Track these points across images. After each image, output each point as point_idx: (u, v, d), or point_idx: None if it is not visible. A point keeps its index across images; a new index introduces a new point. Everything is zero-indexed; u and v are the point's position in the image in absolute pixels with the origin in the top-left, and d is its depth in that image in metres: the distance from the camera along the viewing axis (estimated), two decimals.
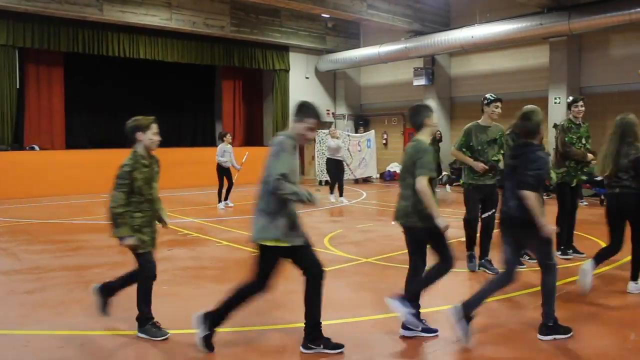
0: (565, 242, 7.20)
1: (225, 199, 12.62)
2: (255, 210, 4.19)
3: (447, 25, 18.29)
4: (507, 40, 15.75)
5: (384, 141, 21.74)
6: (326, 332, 4.61)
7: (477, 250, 6.59)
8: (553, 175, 6.91)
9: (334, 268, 6.72)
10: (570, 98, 7.36)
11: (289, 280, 6.27)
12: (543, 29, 14.66)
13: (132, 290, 5.81)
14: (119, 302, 5.42)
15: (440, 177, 18.61)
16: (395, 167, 20.88)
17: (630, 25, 13.51)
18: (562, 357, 4.03)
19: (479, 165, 6.17)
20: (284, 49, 20.43)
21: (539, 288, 5.71)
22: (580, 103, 7.12)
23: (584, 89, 15.61)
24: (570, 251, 7.20)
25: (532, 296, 5.47)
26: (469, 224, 6.47)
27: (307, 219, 11.31)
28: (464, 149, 6.35)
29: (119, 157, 17.38)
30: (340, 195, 13.34)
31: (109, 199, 4.43)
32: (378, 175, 21.05)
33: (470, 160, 6.24)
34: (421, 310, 4.62)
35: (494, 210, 6.42)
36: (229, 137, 12.76)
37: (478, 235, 6.53)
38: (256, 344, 4.32)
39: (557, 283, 5.85)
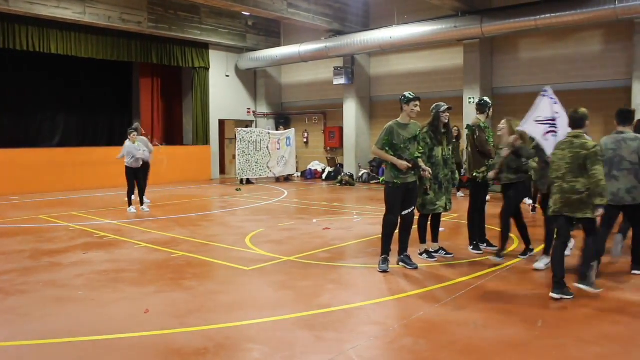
0: (478, 236, 7.51)
1: (141, 203, 11.96)
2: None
3: (366, 26, 18.63)
4: (424, 41, 16.23)
5: (305, 140, 21.86)
6: (247, 332, 4.60)
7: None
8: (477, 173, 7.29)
9: (255, 267, 6.71)
10: (487, 100, 7.68)
11: (209, 281, 6.23)
12: (457, 31, 15.21)
13: (37, 299, 5.57)
14: (26, 312, 5.19)
15: (360, 175, 18.95)
16: (316, 166, 21.04)
17: (536, 30, 14.28)
18: (474, 345, 4.21)
19: (404, 164, 6.28)
20: (204, 47, 20.13)
21: (454, 281, 5.96)
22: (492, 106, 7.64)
23: (495, 89, 16.34)
24: (484, 245, 7.51)
25: (446, 290, 5.68)
26: (391, 223, 6.50)
27: (229, 218, 11.28)
28: (387, 148, 6.41)
29: (29, 157, 16.51)
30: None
31: (594, 173, 5.21)
32: (299, 174, 21.16)
33: (394, 159, 6.31)
34: (344, 307, 4.67)
35: (413, 207, 6.58)
36: (134, 135, 11.81)
37: (396, 232, 6.65)
38: (177, 346, 4.24)
39: (469, 277, 6.12)
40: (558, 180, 5.48)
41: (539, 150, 6.63)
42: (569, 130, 5.89)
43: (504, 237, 6.87)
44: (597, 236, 5.65)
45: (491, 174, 6.95)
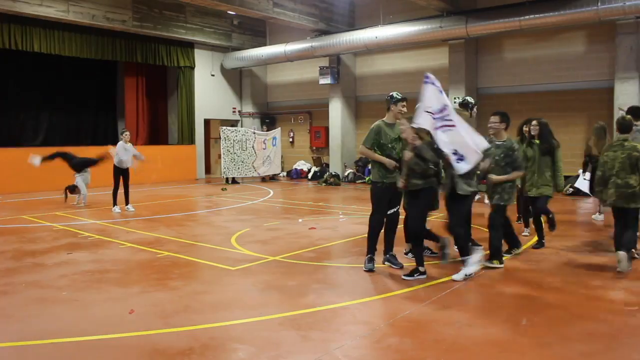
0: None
1: (126, 203, 11.76)
2: None
3: (351, 26, 18.66)
4: (409, 41, 16.28)
5: (291, 139, 21.84)
6: (233, 332, 4.58)
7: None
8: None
9: (241, 267, 6.69)
10: (469, 99, 7.72)
11: (194, 281, 6.20)
12: (442, 31, 15.28)
13: (17, 301, 5.52)
14: (9, 313, 5.13)
15: (346, 174, 18.97)
16: (302, 165, 21.03)
17: (520, 31, 14.39)
18: (459, 344, 4.23)
19: (392, 163, 6.29)
20: (189, 46, 20.04)
21: (439, 281, 5.98)
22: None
23: (480, 89, 16.44)
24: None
25: (432, 289, 5.70)
26: (377, 223, 6.51)
27: (214, 218, 11.24)
28: (375, 147, 6.43)
29: (12, 156, 16.26)
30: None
31: None
32: (285, 174, 21.14)
33: (383, 158, 6.32)
34: (330, 307, 4.67)
35: (398, 207, 6.59)
36: (126, 136, 11.76)
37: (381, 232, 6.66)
38: (162, 347, 4.22)
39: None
40: (612, 177, 6.30)
41: (438, 150, 5.94)
42: (465, 124, 5.82)
43: (418, 255, 6.20)
44: (636, 227, 6.41)
45: (400, 183, 6.18)
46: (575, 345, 4.24)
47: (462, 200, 6.21)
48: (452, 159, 5.83)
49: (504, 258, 6.84)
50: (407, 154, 6.06)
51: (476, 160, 5.92)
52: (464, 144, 5.82)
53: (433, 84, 5.90)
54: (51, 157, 12.40)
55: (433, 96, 5.88)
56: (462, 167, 5.87)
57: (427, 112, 5.89)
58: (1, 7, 14.35)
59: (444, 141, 5.82)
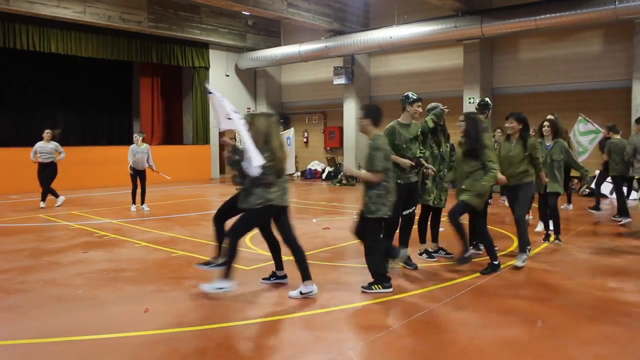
0: (478, 236, 7.48)
1: (142, 202, 11.80)
2: None
3: (366, 26, 18.64)
4: (424, 41, 16.23)
5: (305, 139, 21.85)
6: (247, 331, 4.59)
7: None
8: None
9: (255, 267, 6.70)
10: (488, 100, 7.68)
11: (208, 280, 6.21)
12: (457, 31, 15.21)
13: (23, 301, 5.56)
14: (26, 311, 5.18)
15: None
16: (316, 165, 21.02)
17: (536, 31, 14.29)
18: (474, 345, 4.21)
19: (407, 162, 6.27)
20: (204, 46, 20.14)
21: (454, 281, 5.96)
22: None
23: (495, 89, 16.34)
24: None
25: (446, 290, 5.67)
26: (392, 223, 6.52)
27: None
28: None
29: (29, 156, 16.33)
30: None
31: None
32: (299, 174, 21.16)
33: (397, 158, 6.30)
34: (344, 307, 4.66)
35: (414, 207, 6.56)
36: (136, 138, 11.70)
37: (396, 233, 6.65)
38: (176, 346, 4.24)
39: (469, 277, 6.11)
40: None
41: (239, 150, 5.53)
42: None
43: (226, 262, 5.52)
44: None
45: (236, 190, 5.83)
46: (592, 348, 4.20)
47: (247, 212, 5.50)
48: (246, 164, 5.27)
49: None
50: (226, 154, 5.84)
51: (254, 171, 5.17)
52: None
53: (217, 94, 5.61)
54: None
55: (224, 104, 5.56)
56: (252, 171, 5.23)
57: (230, 118, 5.52)
58: (20, 9, 14.54)
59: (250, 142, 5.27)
